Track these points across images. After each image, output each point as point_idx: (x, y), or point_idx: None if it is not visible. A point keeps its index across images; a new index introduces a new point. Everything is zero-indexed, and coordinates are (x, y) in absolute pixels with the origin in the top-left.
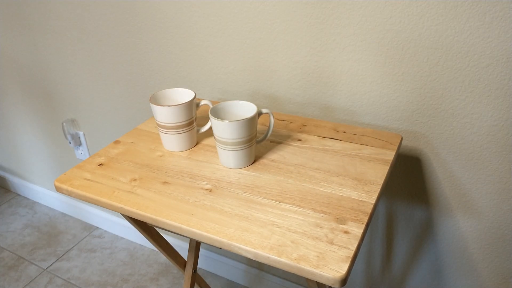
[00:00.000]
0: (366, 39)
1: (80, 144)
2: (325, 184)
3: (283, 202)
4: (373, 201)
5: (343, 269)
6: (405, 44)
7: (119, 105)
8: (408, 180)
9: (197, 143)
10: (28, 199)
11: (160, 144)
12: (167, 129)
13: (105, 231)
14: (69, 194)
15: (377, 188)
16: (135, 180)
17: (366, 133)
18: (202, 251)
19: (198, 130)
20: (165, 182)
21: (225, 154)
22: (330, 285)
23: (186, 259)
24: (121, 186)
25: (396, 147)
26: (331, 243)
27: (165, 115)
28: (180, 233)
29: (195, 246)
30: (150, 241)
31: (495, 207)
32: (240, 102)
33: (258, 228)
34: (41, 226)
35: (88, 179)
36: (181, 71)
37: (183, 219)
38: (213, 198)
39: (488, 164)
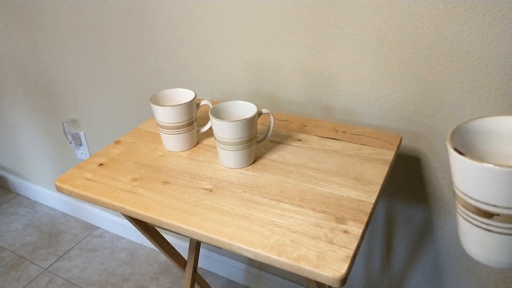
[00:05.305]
0: (366, 39)
1: (80, 144)
2: (325, 184)
3: (283, 202)
4: (373, 201)
5: (343, 268)
6: (405, 44)
7: (119, 105)
8: (408, 180)
9: (197, 143)
10: (28, 199)
11: (160, 144)
12: (167, 129)
13: (106, 230)
14: (70, 194)
15: (377, 188)
16: (135, 180)
17: (366, 133)
18: (202, 250)
19: (198, 130)
20: (165, 182)
21: (225, 154)
22: (330, 285)
23: (186, 259)
24: (121, 186)
25: (395, 147)
26: (331, 242)
27: (165, 115)
28: (180, 232)
29: (195, 245)
30: (150, 241)
31: None
32: (240, 102)
33: (258, 227)
34: (42, 226)
35: (89, 179)
36: (181, 71)
37: (183, 218)
38: (213, 198)
39: None
